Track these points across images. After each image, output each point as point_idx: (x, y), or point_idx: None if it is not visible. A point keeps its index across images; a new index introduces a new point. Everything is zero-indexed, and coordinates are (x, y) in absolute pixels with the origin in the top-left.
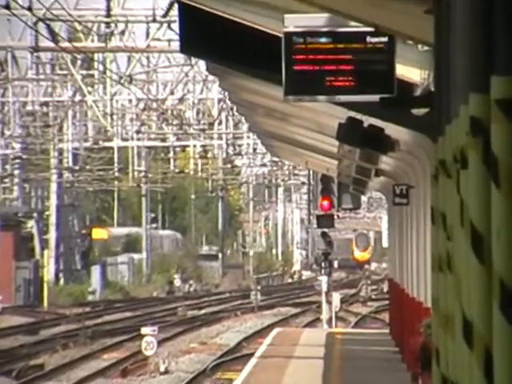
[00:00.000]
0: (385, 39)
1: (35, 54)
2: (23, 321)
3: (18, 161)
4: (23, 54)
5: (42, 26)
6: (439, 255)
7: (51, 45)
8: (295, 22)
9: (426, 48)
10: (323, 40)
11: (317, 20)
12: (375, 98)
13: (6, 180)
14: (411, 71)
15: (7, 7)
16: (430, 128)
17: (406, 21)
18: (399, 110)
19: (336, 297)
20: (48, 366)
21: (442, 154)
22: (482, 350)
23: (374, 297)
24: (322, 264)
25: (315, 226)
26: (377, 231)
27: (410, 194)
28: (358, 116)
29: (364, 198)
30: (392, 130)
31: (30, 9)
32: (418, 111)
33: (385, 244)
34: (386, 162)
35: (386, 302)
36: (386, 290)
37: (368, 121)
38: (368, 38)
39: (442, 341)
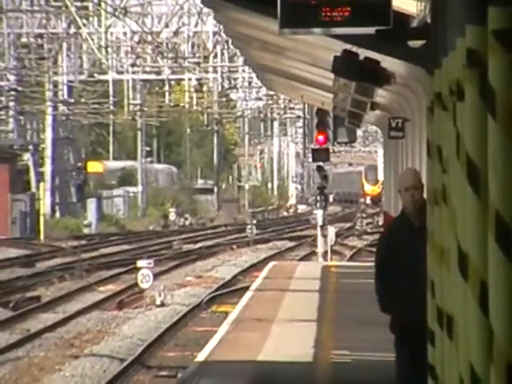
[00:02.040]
0: None
1: None
2: (20, 253)
3: (13, 93)
4: None
5: None
6: (435, 188)
7: None
8: None
9: None
10: None
11: None
12: (371, 30)
13: (2, 112)
14: (407, 3)
15: None
16: (426, 60)
17: None
18: (395, 42)
19: (331, 230)
20: (44, 297)
21: (439, 86)
22: (478, 282)
23: (369, 230)
24: (318, 198)
25: (310, 159)
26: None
27: (405, 127)
28: (354, 49)
29: (359, 132)
30: (388, 62)
31: None
32: (414, 43)
33: (380, 177)
34: (381, 95)
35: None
36: (381, 223)
37: (364, 53)
38: None
39: (438, 273)
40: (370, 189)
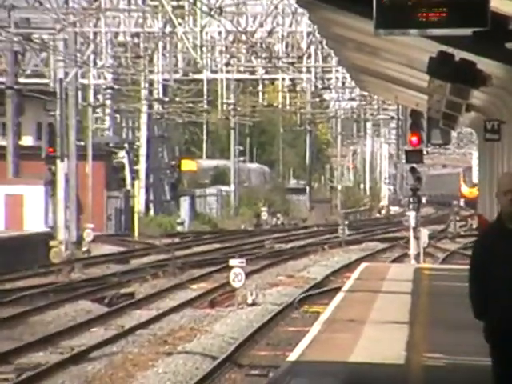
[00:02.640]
0: None
1: None
2: (114, 249)
3: (109, 91)
4: None
5: None
6: None
7: None
8: None
9: None
10: None
11: None
12: (468, 31)
13: (98, 110)
14: (506, 3)
15: None
16: None
17: None
18: (493, 43)
19: (424, 232)
20: (138, 294)
21: None
22: None
23: (462, 233)
24: (411, 199)
25: (404, 161)
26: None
27: (501, 129)
28: (449, 50)
29: (454, 134)
30: (484, 64)
31: None
32: None
33: (475, 180)
34: (477, 96)
35: (475, 238)
36: (474, 226)
37: (459, 54)
38: None
39: None
40: (467, 191)
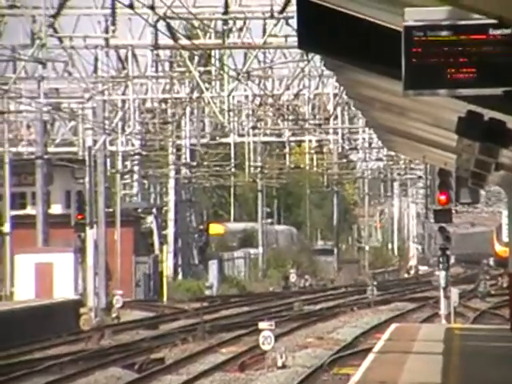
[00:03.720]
0: (508, 31)
1: (155, 51)
2: (143, 315)
3: (137, 157)
4: (143, 52)
5: (161, 24)
6: None
7: (170, 42)
8: (415, 16)
9: None
10: (444, 33)
11: (437, 13)
12: (498, 91)
13: (126, 176)
14: None
15: (131, 6)
16: None
17: None
18: None
19: (454, 292)
20: (168, 359)
21: None
22: None
23: (493, 292)
24: (440, 259)
25: (432, 220)
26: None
27: None
28: (478, 109)
29: (482, 192)
30: None
31: (152, 8)
32: None
33: (505, 239)
34: (506, 155)
35: (506, 297)
36: (505, 285)
37: (488, 114)
38: (490, 30)
39: None
40: (501, 249)
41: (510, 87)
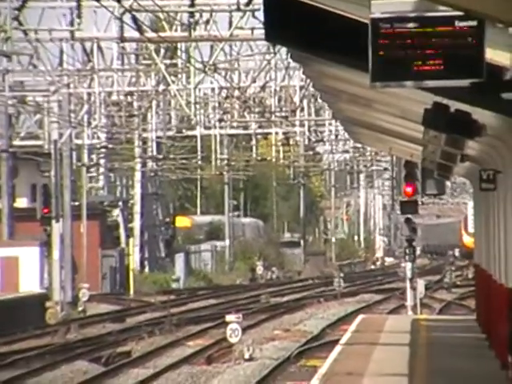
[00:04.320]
0: (474, 23)
1: (120, 44)
2: (110, 308)
3: (103, 150)
4: (109, 45)
5: (127, 17)
6: None
7: (136, 35)
8: (382, 8)
9: None
10: (410, 25)
11: (404, 5)
12: (464, 82)
13: (92, 169)
14: (501, 55)
15: None
16: None
17: (496, 4)
18: (488, 94)
19: (420, 283)
20: (135, 352)
21: None
22: None
23: (458, 283)
24: (406, 250)
25: (398, 211)
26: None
27: (497, 179)
28: (444, 101)
29: (448, 184)
30: (479, 114)
31: (118, 0)
32: (508, 95)
33: (470, 230)
34: (472, 147)
35: (471, 288)
36: (470, 276)
37: (454, 105)
38: (456, 22)
39: None
40: (469, 240)
41: (476, 79)
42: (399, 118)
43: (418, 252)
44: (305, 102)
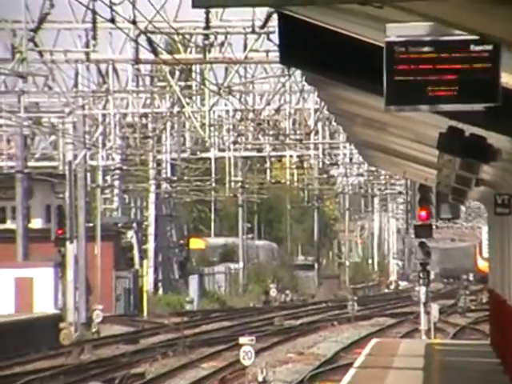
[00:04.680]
0: (489, 47)
1: (135, 66)
2: (124, 330)
3: (117, 172)
4: (124, 67)
5: (142, 39)
6: None
7: (151, 57)
8: (397, 32)
9: None
10: (426, 49)
11: (419, 29)
12: (479, 107)
13: (107, 191)
14: None
15: (112, 21)
16: None
17: None
18: (503, 118)
19: (434, 307)
20: (148, 374)
21: None
22: None
23: (473, 307)
24: (420, 274)
25: (412, 235)
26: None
27: None
28: (459, 125)
29: (462, 208)
30: (494, 138)
31: (133, 22)
32: None
33: (485, 254)
34: (487, 171)
35: (485, 312)
36: (484, 300)
37: (469, 130)
38: (472, 47)
39: None
40: (483, 265)
41: (491, 103)
42: (414, 141)
43: (432, 276)
44: (319, 124)
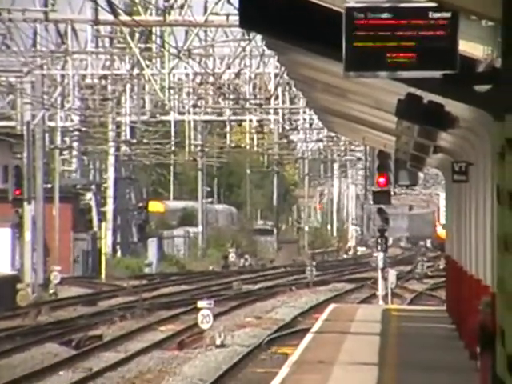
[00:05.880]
0: (448, 15)
1: (95, 27)
2: (81, 292)
3: (76, 133)
4: (83, 27)
5: (101, 0)
6: (505, 235)
7: (111, 18)
8: None
9: (489, 24)
10: (385, 15)
11: None
12: (437, 74)
13: (65, 152)
14: (474, 47)
15: None
16: (493, 105)
17: None
18: (461, 86)
19: (392, 273)
20: (106, 336)
21: (511, 132)
22: None
23: (429, 274)
24: (379, 240)
25: (371, 202)
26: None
27: (469, 171)
28: (418, 92)
29: (420, 175)
30: (452, 106)
31: None
32: (480, 88)
33: (443, 221)
34: (444, 138)
35: (442, 279)
36: (441, 266)
37: (427, 96)
38: (430, 14)
39: (508, 321)
40: (442, 231)
41: (449, 71)
42: (373, 108)
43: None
44: (279, 89)
